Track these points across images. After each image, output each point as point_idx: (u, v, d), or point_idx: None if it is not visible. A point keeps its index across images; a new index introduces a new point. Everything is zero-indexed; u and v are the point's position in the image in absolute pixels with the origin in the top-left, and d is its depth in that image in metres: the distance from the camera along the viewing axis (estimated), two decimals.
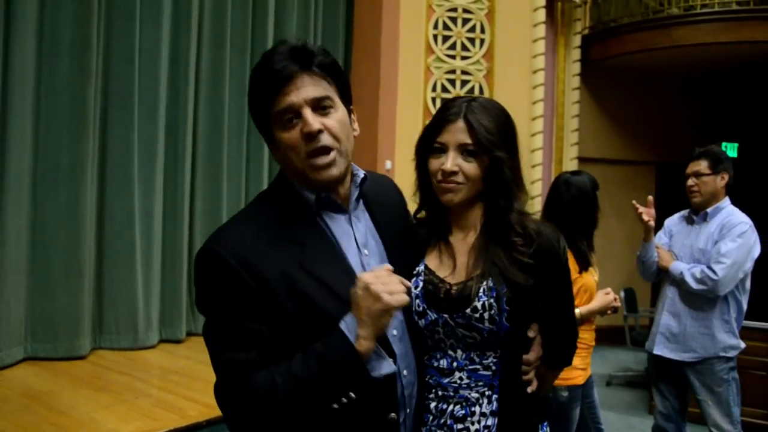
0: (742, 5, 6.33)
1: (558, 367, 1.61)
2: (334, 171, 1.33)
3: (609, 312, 2.89)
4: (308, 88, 1.29)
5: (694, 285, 3.19)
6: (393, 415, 1.36)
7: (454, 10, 6.27)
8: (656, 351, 3.35)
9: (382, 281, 1.24)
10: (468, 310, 1.39)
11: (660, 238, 3.50)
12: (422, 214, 1.59)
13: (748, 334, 4.66)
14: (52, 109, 4.78)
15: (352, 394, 1.24)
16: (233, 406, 1.26)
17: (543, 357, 1.50)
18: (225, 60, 5.89)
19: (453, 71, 6.26)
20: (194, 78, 5.70)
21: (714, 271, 3.12)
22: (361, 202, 1.46)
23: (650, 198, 3.25)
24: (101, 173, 5.16)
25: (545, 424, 1.52)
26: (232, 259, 1.26)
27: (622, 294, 5.87)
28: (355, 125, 1.43)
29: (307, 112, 1.29)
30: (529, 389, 1.46)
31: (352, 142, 1.38)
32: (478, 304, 1.38)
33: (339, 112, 1.34)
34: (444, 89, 6.23)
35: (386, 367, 1.29)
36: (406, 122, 6.06)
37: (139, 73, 5.26)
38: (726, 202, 3.32)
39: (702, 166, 3.27)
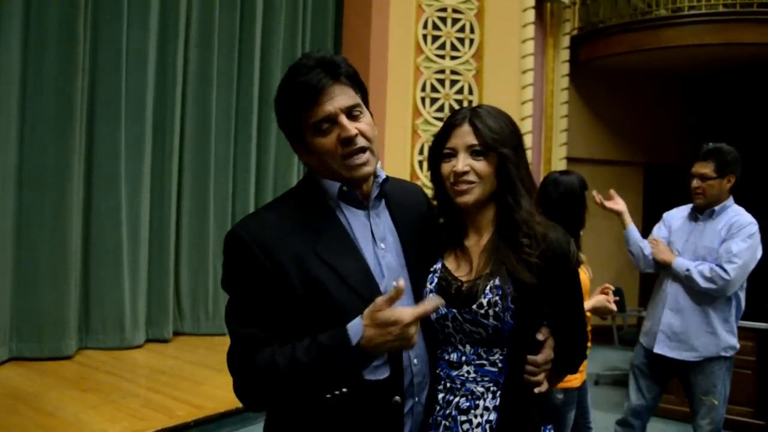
0: (728, 7, 6.38)
1: (565, 373, 1.63)
2: (368, 168, 1.44)
3: (605, 317, 2.87)
4: (340, 98, 1.41)
5: (702, 283, 3.09)
6: (397, 398, 1.41)
7: (444, 10, 6.28)
8: (657, 350, 3.25)
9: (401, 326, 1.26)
10: (474, 306, 1.44)
11: (659, 231, 3.40)
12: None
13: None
14: (38, 107, 4.74)
15: (344, 390, 1.31)
16: (235, 375, 1.39)
17: (554, 361, 1.52)
18: (212, 61, 5.87)
19: (442, 71, 6.27)
20: (182, 78, 5.68)
21: (726, 271, 3.04)
22: (382, 201, 1.55)
23: (611, 191, 3.21)
24: (88, 172, 5.13)
25: (549, 427, 1.53)
26: (252, 242, 1.38)
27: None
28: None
29: (344, 119, 1.40)
30: (537, 390, 1.47)
31: (378, 143, 1.49)
32: (484, 301, 1.43)
33: (367, 116, 1.46)
34: (433, 89, 6.24)
35: (382, 372, 1.35)
36: (396, 121, 6.07)
37: (127, 72, 5.23)
38: (731, 200, 3.23)
39: (708, 169, 3.14)
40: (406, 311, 1.26)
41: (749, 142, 7.94)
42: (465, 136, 1.49)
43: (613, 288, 2.88)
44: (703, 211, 3.23)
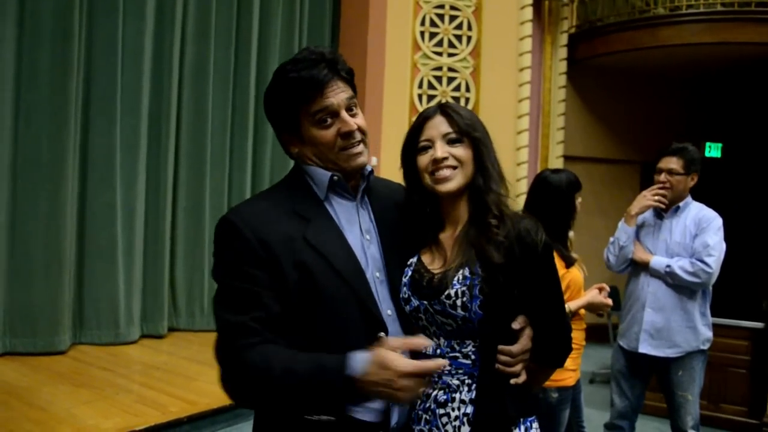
0: (726, 6, 6.37)
1: (549, 367, 1.62)
2: (363, 159, 1.52)
3: (600, 312, 2.86)
4: (342, 93, 1.48)
5: (686, 277, 3.17)
6: None
7: (442, 6, 6.26)
8: (641, 350, 3.29)
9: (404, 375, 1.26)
10: (443, 297, 1.45)
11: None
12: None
13: (730, 333, 4.71)
14: (33, 102, 4.71)
15: (325, 417, 1.33)
16: (223, 366, 1.37)
17: (534, 354, 1.51)
18: (209, 54, 5.85)
19: (440, 68, 6.26)
20: (178, 72, 5.65)
21: (707, 264, 3.13)
22: (366, 196, 1.60)
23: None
24: (83, 167, 5.11)
25: (531, 419, 1.52)
26: (245, 228, 1.40)
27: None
28: None
29: (345, 114, 1.47)
30: (513, 381, 1.47)
31: (369, 137, 1.58)
32: (452, 292, 1.44)
33: (360, 111, 1.54)
34: (431, 86, 6.23)
35: (369, 414, 1.37)
36: (393, 118, 6.05)
37: (122, 66, 5.20)
38: (690, 198, 3.35)
39: (677, 164, 3.27)
40: (404, 362, 1.24)
41: (746, 141, 7.96)
42: (439, 125, 1.54)
43: (608, 288, 2.88)
44: (667, 209, 3.33)
